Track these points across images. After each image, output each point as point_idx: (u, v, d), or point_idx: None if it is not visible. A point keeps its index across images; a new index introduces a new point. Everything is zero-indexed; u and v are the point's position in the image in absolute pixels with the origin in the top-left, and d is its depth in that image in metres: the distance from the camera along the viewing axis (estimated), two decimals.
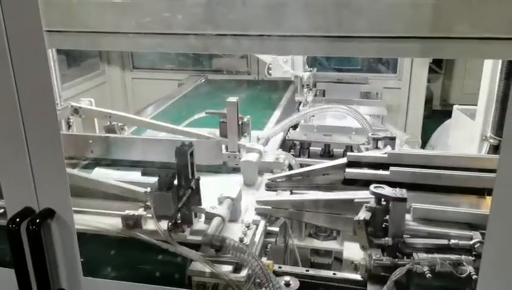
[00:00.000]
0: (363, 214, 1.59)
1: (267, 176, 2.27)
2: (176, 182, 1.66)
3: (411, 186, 1.78)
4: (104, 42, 1.38)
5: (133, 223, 1.71)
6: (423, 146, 4.27)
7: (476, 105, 3.96)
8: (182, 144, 1.67)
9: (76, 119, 2.81)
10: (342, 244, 2.49)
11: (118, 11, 1.36)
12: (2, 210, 1.81)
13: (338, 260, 2.81)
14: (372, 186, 1.63)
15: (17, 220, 1.38)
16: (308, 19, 1.29)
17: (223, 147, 2.37)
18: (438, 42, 1.45)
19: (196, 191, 1.63)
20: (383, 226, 1.63)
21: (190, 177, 1.65)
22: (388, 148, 2.09)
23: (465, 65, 6.94)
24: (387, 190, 1.61)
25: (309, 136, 2.95)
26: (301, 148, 2.94)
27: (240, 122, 2.37)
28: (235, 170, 2.37)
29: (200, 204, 1.67)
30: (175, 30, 1.35)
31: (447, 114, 5.10)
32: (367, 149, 2.30)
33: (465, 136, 3.04)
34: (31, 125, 1.31)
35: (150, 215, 1.71)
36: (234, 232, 1.69)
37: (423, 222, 1.64)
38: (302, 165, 2.61)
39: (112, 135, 2.50)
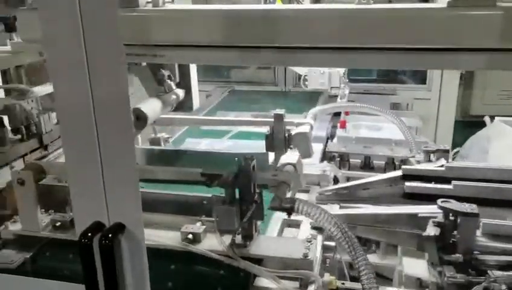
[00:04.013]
0: (432, 230, 1.55)
1: (315, 190, 2.24)
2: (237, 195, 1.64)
3: (474, 201, 1.74)
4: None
5: (193, 237, 1.69)
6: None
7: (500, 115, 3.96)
8: (244, 157, 1.65)
9: None
10: (383, 258, 2.45)
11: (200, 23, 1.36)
12: (59, 223, 1.81)
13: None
14: (439, 201, 1.59)
15: (89, 234, 1.36)
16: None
17: None
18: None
19: (259, 205, 1.61)
20: (451, 242, 1.59)
21: (252, 190, 1.63)
22: (443, 161, 2.05)
23: (485, 75, 6.87)
24: (455, 205, 1.57)
25: (349, 148, 2.92)
26: (341, 161, 2.91)
27: (286, 135, 2.34)
28: None
29: (262, 218, 1.65)
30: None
31: (469, 125, 5.05)
32: (418, 162, 2.26)
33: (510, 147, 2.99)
34: (105, 137, 1.30)
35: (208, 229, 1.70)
36: (296, 248, 1.65)
37: (492, 238, 1.59)
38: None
39: (156, 147, 2.49)
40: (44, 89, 2.34)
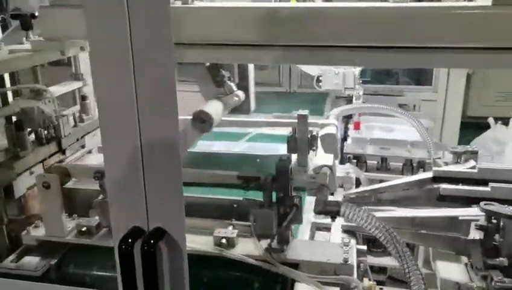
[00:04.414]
0: (476, 233, 1.52)
1: (338, 192, 2.20)
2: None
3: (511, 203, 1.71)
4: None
5: (226, 242, 1.63)
6: None
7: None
8: (280, 158, 1.60)
9: None
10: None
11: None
12: (85, 228, 1.74)
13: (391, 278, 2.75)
14: (482, 204, 1.56)
15: (129, 240, 1.30)
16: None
17: None
18: None
19: (299, 208, 1.56)
20: (493, 245, 1.55)
21: (290, 193, 1.58)
22: (472, 163, 2.02)
23: (483, 76, 6.89)
24: (498, 207, 1.54)
25: (366, 150, 2.88)
26: (358, 162, 2.88)
27: (309, 136, 2.30)
28: None
29: (301, 221, 1.60)
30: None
31: (469, 126, 5.06)
32: (446, 163, 2.23)
33: None
34: (148, 137, 1.24)
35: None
36: (335, 252, 1.61)
37: None
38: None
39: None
40: (61, 89, 2.27)
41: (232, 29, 1.59)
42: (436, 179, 1.94)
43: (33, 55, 1.76)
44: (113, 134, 1.26)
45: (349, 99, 3.74)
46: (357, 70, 3.14)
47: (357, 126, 3.09)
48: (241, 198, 1.70)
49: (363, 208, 1.47)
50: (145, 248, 1.28)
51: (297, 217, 1.55)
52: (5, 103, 1.98)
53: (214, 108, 2.18)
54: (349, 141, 3.06)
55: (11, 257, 1.72)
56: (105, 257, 1.73)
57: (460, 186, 1.83)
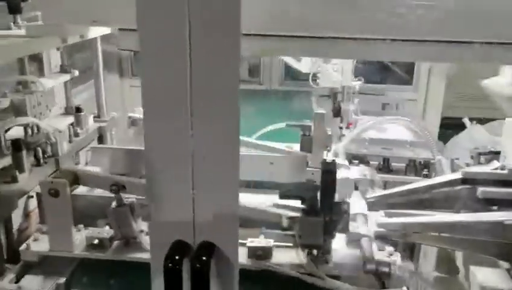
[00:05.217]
0: None
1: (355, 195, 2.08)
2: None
3: None
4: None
5: (262, 253, 1.47)
6: None
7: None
8: (324, 160, 1.46)
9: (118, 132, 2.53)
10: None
11: None
12: (97, 241, 1.53)
13: None
14: None
15: (177, 257, 1.12)
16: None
17: None
18: None
19: (347, 216, 1.42)
20: None
21: (335, 199, 1.44)
22: (496, 164, 1.96)
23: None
24: None
25: (368, 150, 2.80)
26: (360, 163, 2.78)
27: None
28: None
29: (348, 230, 1.46)
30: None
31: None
32: (467, 164, 2.17)
33: None
34: (202, 137, 1.06)
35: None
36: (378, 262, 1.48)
37: None
38: None
39: None
40: (51, 82, 2.02)
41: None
42: (465, 181, 1.87)
43: (31, 42, 1.52)
44: (158, 130, 1.07)
45: (333, 98, 3.66)
46: (353, 65, 3.04)
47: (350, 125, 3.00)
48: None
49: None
50: (197, 265, 1.10)
51: (346, 225, 1.42)
52: None
53: None
54: (345, 140, 2.95)
55: (9, 276, 1.47)
56: (121, 273, 1.53)
57: (500, 189, 1.76)
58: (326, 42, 1.18)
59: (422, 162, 2.79)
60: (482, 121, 4.94)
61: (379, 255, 1.43)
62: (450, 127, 4.80)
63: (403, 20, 1.21)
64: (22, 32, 1.73)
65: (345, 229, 1.45)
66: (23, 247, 1.52)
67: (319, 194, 1.42)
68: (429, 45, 1.27)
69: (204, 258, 1.11)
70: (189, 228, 1.15)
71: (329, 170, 1.41)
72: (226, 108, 1.05)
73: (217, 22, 0.97)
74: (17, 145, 1.61)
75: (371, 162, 2.80)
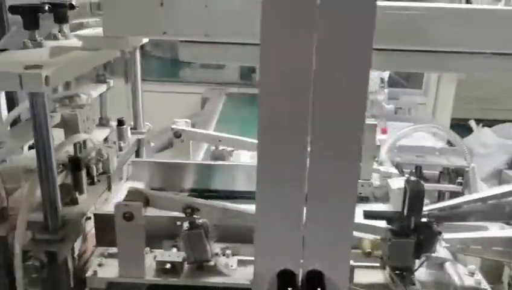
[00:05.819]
0: None
1: None
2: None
3: None
4: None
5: None
6: None
7: None
8: (408, 179, 1.41)
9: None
10: None
11: None
12: (169, 265, 1.45)
13: None
14: None
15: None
16: None
17: None
18: None
19: (438, 234, 1.38)
20: None
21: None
22: None
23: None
24: None
25: (402, 158, 2.77)
26: None
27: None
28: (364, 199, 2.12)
29: (435, 251, 1.42)
30: None
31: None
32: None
33: None
34: (321, 152, 0.99)
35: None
36: (462, 278, 1.44)
37: None
38: None
39: (219, 163, 2.15)
40: (93, 93, 1.93)
41: None
42: None
43: (96, 55, 1.43)
44: (274, 146, 1.00)
45: None
46: (385, 74, 3.01)
47: (384, 132, 2.97)
48: None
49: None
50: None
51: (435, 246, 1.37)
52: None
53: None
54: (385, 148, 2.89)
55: None
56: None
57: None
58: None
59: (454, 170, 2.77)
60: (489, 122, 4.97)
61: (468, 281, 1.39)
62: (457, 130, 4.83)
63: None
64: (73, 42, 1.64)
65: (433, 250, 1.40)
66: (89, 273, 1.43)
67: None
68: None
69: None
70: (297, 255, 1.10)
71: (418, 190, 1.36)
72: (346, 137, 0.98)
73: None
74: (76, 164, 1.51)
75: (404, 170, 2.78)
